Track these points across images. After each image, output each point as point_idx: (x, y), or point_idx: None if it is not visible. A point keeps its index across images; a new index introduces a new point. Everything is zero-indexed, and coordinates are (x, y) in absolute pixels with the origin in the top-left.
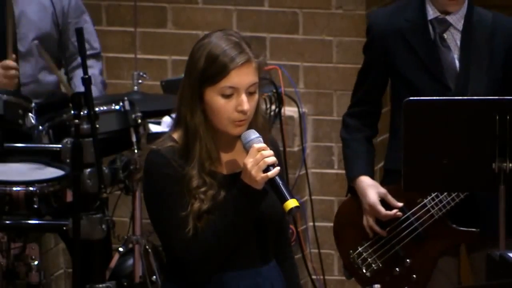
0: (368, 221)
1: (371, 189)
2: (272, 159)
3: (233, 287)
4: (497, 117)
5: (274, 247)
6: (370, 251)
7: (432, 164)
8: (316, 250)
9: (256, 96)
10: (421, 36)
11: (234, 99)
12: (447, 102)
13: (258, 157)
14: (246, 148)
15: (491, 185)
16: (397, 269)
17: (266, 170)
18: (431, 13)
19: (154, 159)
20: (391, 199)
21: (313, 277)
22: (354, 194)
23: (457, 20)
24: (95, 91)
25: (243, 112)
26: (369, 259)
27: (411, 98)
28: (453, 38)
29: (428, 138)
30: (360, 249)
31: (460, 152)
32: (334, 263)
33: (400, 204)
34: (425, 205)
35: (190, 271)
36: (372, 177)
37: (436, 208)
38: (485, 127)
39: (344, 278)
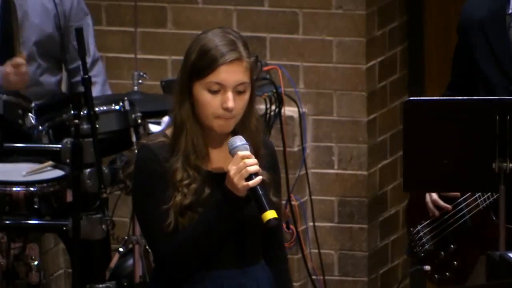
0: (428, 198)
1: None
2: (255, 168)
3: (216, 286)
4: (497, 117)
5: (266, 250)
6: (426, 230)
7: (432, 164)
8: (316, 250)
9: (246, 96)
10: (496, 28)
11: (220, 95)
12: (447, 102)
13: (241, 165)
14: (232, 154)
15: (491, 185)
16: (442, 253)
17: (249, 178)
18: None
19: (142, 154)
20: None
21: (313, 277)
22: None
23: None
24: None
25: (227, 109)
26: (424, 239)
27: (411, 98)
28: None
29: (428, 138)
30: (419, 227)
31: (460, 152)
32: (334, 263)
33: (458, 193)
34: (474, 194)
35: (169, 266)
36: None
37: (482, 199)
38: (485, 127)
39: (344, 278)
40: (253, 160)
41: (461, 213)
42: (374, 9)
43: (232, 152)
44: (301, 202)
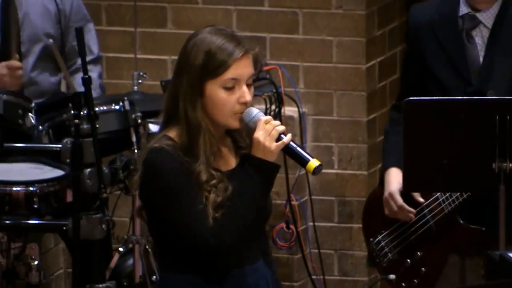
0: (386, 210)
1: (394, 179)
2: (282, 127)
3: (237, 284)
4: (497, 117)
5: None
6: (387, 240)
7: (432, 164)
8: (316, 250)
9: (252, 88)
10: (449, 31)
11: (235, 91)
12: (447, 102)
13: (268, 128)
14: (251, 125)
15: (491, 185)
16: (408, 260)
17: (279, 139)
18: (463, 9)
19: (159, 156)
20: (415, 193)
21: (313, 277)
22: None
23: (487, 18)
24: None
25: (245, 103)
26: (386, 249)
27: (411, 98)
28: (482, 36)
29: (428, 138)
30: (379, 237)
31: (460, 152)
32: (334, 263)
33: (422, 200)
34: (437, 198)
35: (218, 257)
36: None
37: (447, 203)
38: (485, 127)
39: (344, 278)
40: (277, 121)
41: (425, 219)
42: (374, 9)
43: (252, 122)
44: (301, 202)
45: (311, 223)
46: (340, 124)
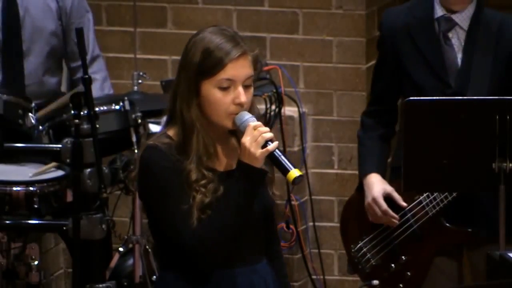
0: (370, 216)
1: (377, 185)
2: (270, 134)
3: (229, 285)
4: (497, 117)
5: (265, 245)
6: (369, 246)
7: (432, 164)
8: (316, 250)
9: (252, 89)
10: (426, 34)
11: (231, 92)
12: (447, 102)
13: (255, 134)
14: (241, 129)
15: (491, 185)
16: (392, 265)
17: (264, 146)
18: (438, 11)
19: (152, 154)
20: (397, 197)
21: (313, 277)
22: (362, 191)
23: (463, 19)
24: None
25: (240, 104)
26: (368, 255)
27: (411, 98)
28: (458, 37)
29: (428, 138)
30: (360, 243)
31: (460, 152)
32: (334, 263)
33: (405, 204)
34: (420, 202)
35: (198, 258)
36: (383, 175)
37: (430, 206)
38: (485, 127)
39: (344, 278)
40: (266, 128)
41: (408, 224)
42: (374, 9)
43: (242, 126)
44: (301, 202)
45: (311, 223)
46: (340, 124)
